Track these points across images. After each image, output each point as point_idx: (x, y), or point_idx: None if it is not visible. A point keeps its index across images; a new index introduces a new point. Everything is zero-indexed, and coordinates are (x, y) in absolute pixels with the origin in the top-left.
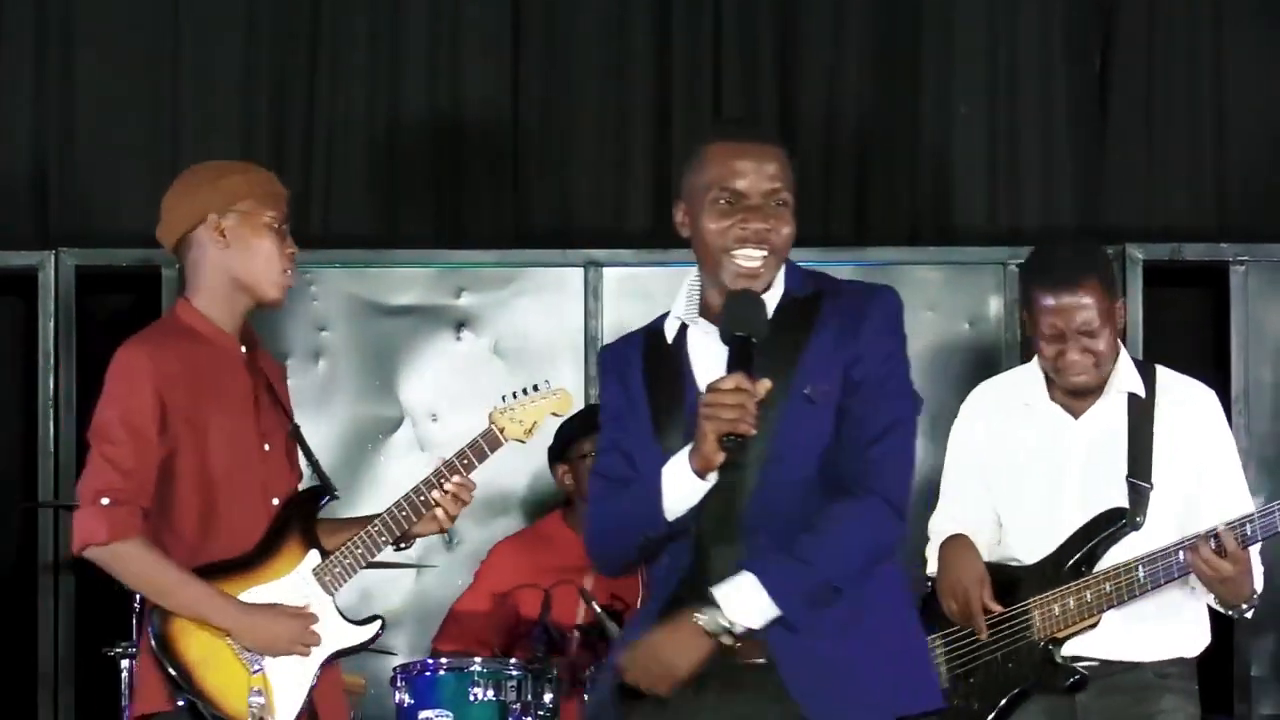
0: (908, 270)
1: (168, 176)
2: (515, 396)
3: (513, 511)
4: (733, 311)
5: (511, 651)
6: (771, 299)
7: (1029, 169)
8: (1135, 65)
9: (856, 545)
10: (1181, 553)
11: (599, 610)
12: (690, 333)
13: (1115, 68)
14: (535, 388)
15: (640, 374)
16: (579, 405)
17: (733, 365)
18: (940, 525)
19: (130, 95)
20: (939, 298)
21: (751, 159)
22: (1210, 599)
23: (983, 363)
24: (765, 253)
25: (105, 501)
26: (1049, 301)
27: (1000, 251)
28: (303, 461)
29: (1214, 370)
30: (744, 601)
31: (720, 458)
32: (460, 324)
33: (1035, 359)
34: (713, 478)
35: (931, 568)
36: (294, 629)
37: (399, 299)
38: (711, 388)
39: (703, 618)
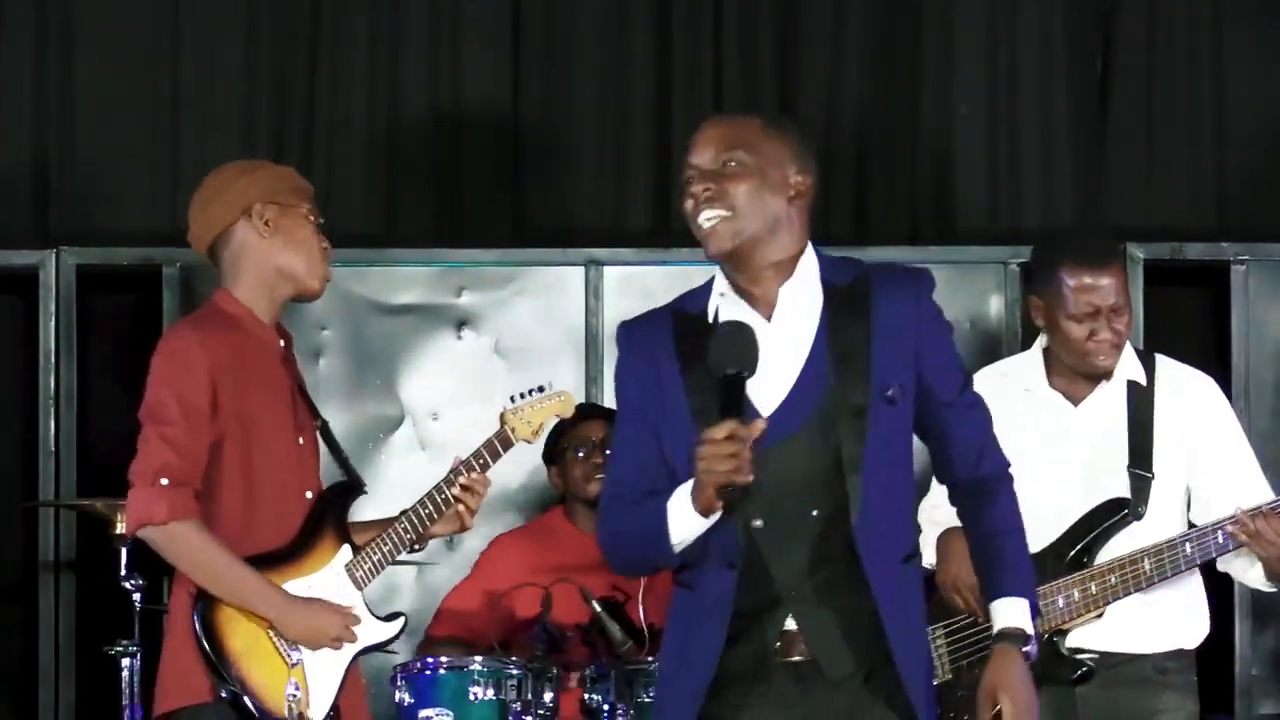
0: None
1: (168, 176)
2: (523, 397)
3: (512, 511)
4: (720, 346)
5: (509, 642)
6: (805, 290)
7: (1030, 168)
8: (1136, 64)
9: (1024, 537)
10: (1189, 544)
11: (599, 610)
12: (723, 312)
13: (1116, 67)
14: (540, 389)
15: (673, 356)
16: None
17: (724, 407)
18: (933, 513)
19: (130, 94)
20: (939, 297)
21: (704, 134)
22: (1258, 579)
23: (984, 362)
24: (719, 212)
25: (164, 481)
26: (1086, 279)
27: (1001, 251)
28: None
29: (1215, 369)
30: (1017, 612)
31: (720, 506)
32: (461, 323)
33: (1036, 345)
34: (716, 516)
35: (929, 559)
36: (337, 623)
37: (399, 298)
38: (704, 439)
39: (1013, 645)
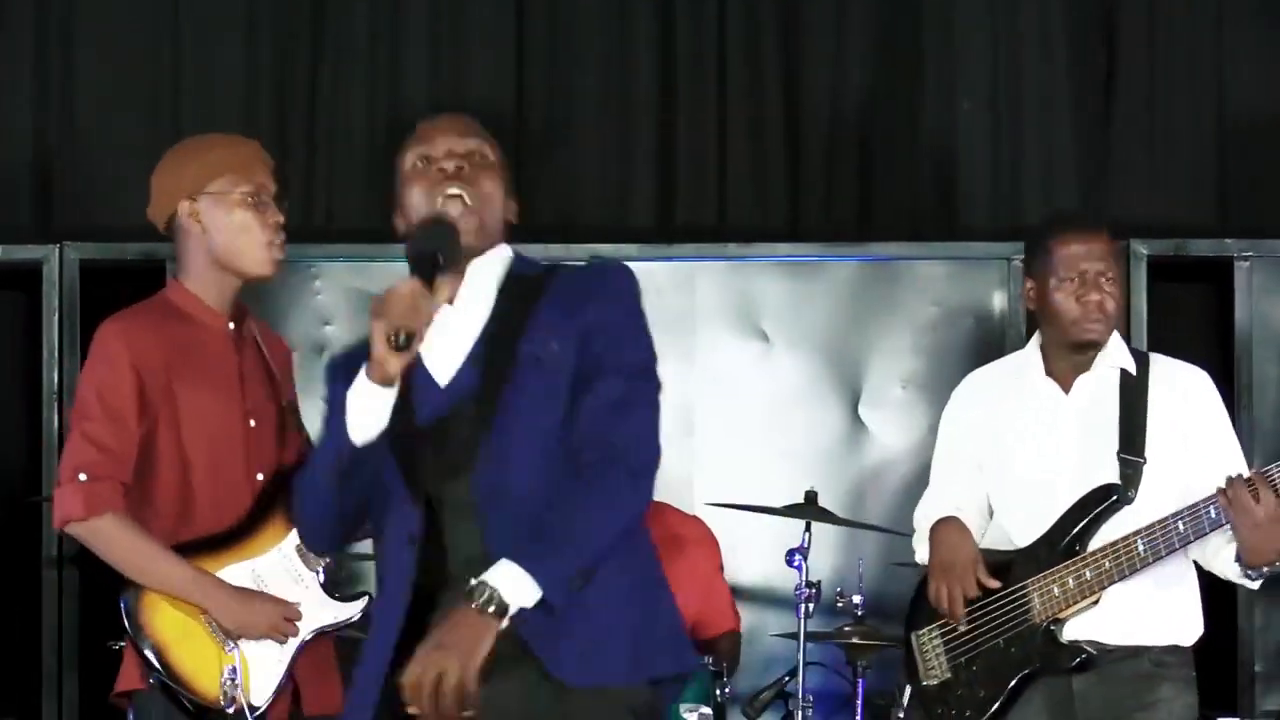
0: (911, 265)
1: None
2: None
3: None
4: (423, 229)
5: None
6: (491, 271)
7: (1032, 164)
8: (1138, 60)
9: (605, 521)
10: (1181, 522)
11: None
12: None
13: (1119, 63)
14: None
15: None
16: None
17: (412, 275)
18: (927, 514)
19: (132, 90)
20: (943, 293)
21: (440, 129)
22: (1227, 561)
23: (987, 358)
24: (467, 205)
25: (83, 477)
26: (1073, 245)
27: (1004, 247)
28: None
29: (1219, 365)
30: (514, 585)
31: (394, 361)
32: None
33: (1033, 341)
34: (394, 392)
35: (921, 555)
36: (271, 615)
37: None
38: (386, 292)
39: (479, 601)
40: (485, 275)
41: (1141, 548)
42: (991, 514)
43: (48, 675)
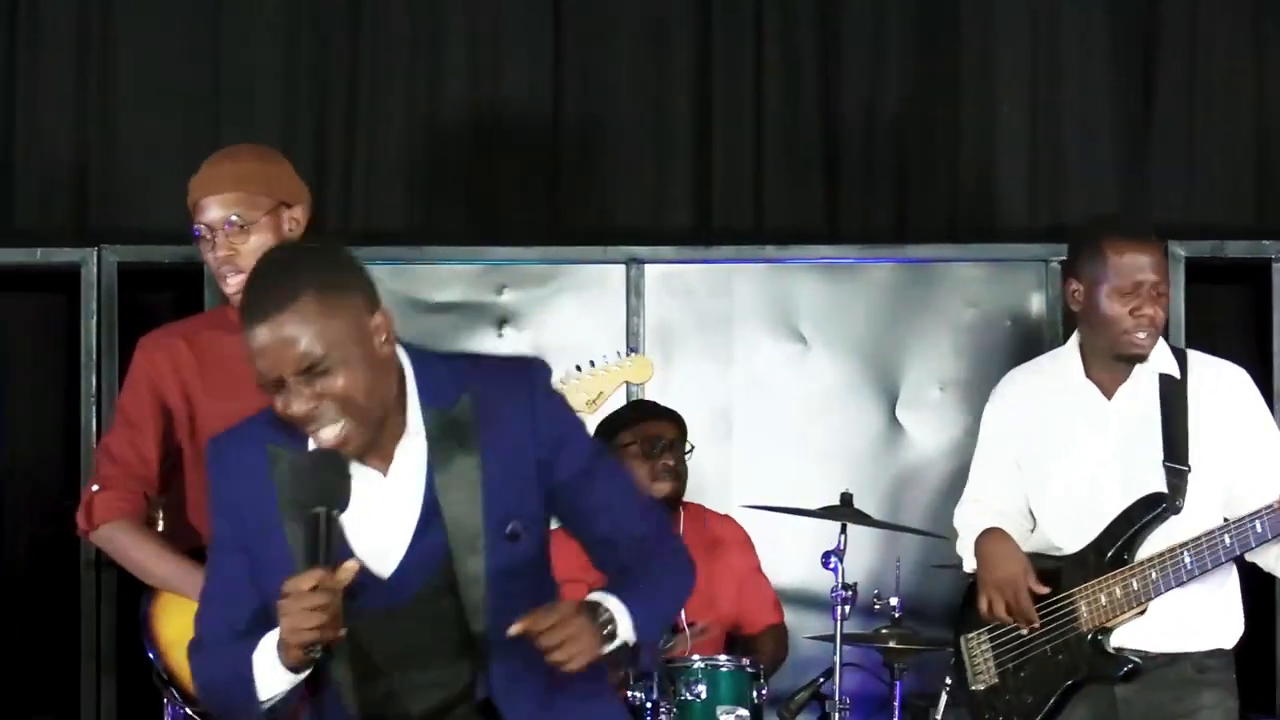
0: (949, 267)
1: None
2: (579, 370)
3: None
4: (305, 480)
5: None
6: (414, 449)
7: (1070, 166)
8: (1177, 62)
9: (685, 589)
10: (1228, 535)
11: None
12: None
13: (1157, 65)
14: (605, 359)
15: (267, 486)
16: (655, 374)
17: (310, 550)
18: (969, 517)
19: (171, 93)
20: (980, 295)
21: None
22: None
23: (1024, 360)
24: (339, 424)
25: (95, 489)
26: (1131, 253)
27: (1042, 249)
28: None
29: (1256, 366)
30: (624, 621)
31: (309, 663)
32: (502, 321)
33: (1071, 340)
34: (306, 673)
35: (969, 565)
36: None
37: (440, 296)
38: (286, 590)
39: (601, 619)
40: (410, 455)
41: (1188, 560)
42: (1032, 516)
43: (85, 676)
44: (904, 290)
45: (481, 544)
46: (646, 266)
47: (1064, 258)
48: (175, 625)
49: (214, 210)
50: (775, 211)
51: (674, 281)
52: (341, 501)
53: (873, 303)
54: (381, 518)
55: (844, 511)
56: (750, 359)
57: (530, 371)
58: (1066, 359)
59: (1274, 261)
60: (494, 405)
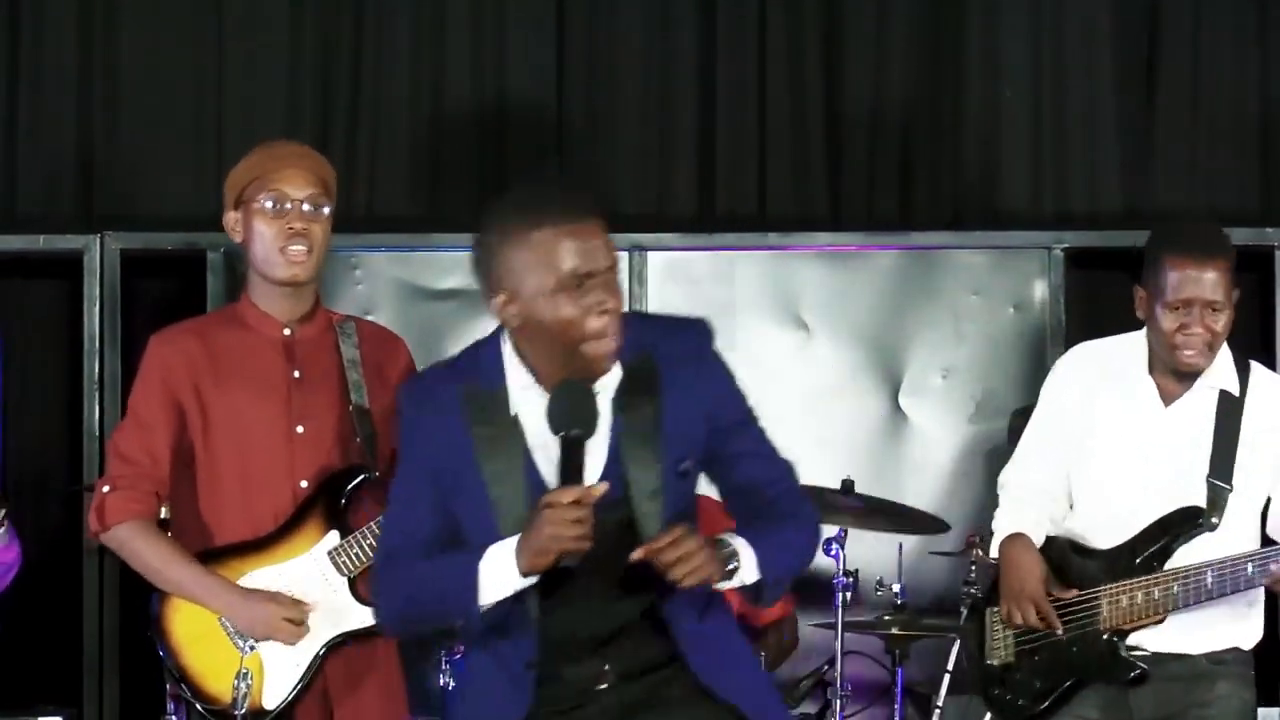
0: (952, 254)
1: (212, 161)
2: None
3: None
4: (563, 406)
5: None
6: (610, 387)
7: (1074, 152)
8: (1181, 48)
9: (811, 546)
10: (1250, 564)
11: None
12: (524, 399)
13: (1161, 51)
14: None
15: (464, 430)
16: None
17: (566, 470)
18: (1012, 482)
19: (175, 80)
20: (984, 282)
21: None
22: None
23: (1028, 347)
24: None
25: (106, 489)
26: (1187, 269)
27: (1045, 235)
28: None
29: (1261, 355)
30: (748, 563)
31: (546, 569)
32: None
33: (1144, 332)
34: (535, 579)
35: (993, 546)
36: (275, 614)
37: (444, 282)
38: (549, 502)
39: (724, 552)
40: (604, 396)
41: (1210, 581)
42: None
43: (89, 666)
44: (907, 277)
45: (659, 486)
46: (650, 254)
47: (1067, 245)
48: (187, 625)
49: (300, 186)
50: (778, 199)
51: (677, 269)
52: (592, 425)
53: (876, 290)
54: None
55: (844, 497)
56: (753, 346)
57: (701, 331)
58: (1135, 349)
59: (1277, 249)
60: (670, 361)
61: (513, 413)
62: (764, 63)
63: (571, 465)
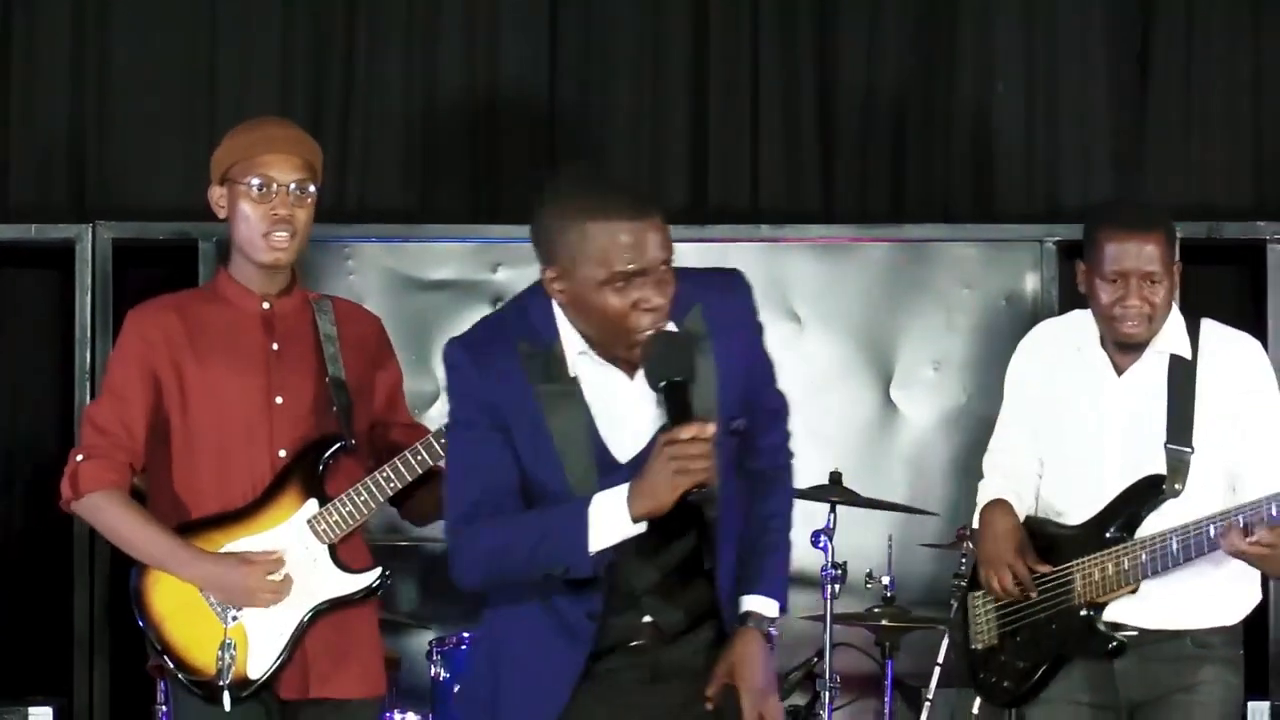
0: (944, 247)
1: (204, 151)
2: None
3: None
4: (662, 354)
5: None
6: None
7: (1067, 146)
8: (1174, 42)
9: (791, 521)
10: (1213, 527)
11: None
12: (580, 362)
13: (1154, 45)
14: None
15: (527, 388)
16: None
17: (675, 412)
18: (988, 479)
19: (167, 71)
20: (976, 275)
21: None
22: None
23: (1020, 340)
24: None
25: (79, 459)
26: (1121, 242)
27: (1037, 229)
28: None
29: None
30: (766, 609)
31: (657, 514)
32: (497, 299)
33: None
34: (643, 526)
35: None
36: (248, 575)
37: (436, 274)
38: (671, 439)
39: (761, 630)
40: None
41: (1175, 547)
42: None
43: (80, 653)
44: (899, 270)
45: (714, 440)
46: None
47: (1059, 238)
48: (167, 597)
49: (287, 170)
50: (771, 191)
51: None
52: (691, 371)
53: (868, 282)
54: (625, 413)
55: (831, 490)
56: None
57: (743, 286)
58: (1087, 323)
59: (1269, 242)
60: (719, 316)
61: (571, 373)
62: (756, 54)
63: (680, 406)
